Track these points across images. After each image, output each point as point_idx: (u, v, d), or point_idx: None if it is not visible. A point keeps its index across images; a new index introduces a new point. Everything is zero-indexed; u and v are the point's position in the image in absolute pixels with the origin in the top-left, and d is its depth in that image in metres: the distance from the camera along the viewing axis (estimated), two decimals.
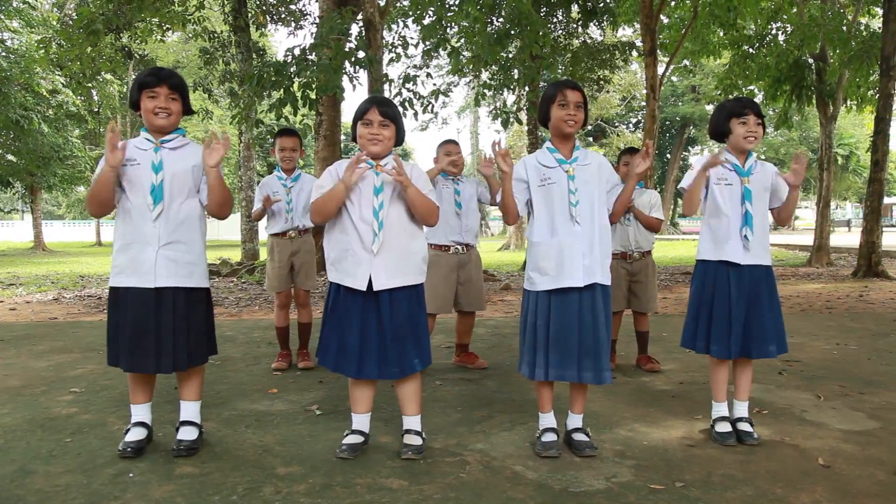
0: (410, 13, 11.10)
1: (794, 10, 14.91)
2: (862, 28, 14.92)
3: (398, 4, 13.53)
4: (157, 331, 2.95)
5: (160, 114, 2.97)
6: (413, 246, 3.05)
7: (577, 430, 3.08)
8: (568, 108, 3.00)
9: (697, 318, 3.29)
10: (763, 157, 50.29)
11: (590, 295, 2.98)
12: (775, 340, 3.21)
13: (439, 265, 4.61)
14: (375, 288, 2.93)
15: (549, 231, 3.03)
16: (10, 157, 23.83)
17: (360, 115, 3.01)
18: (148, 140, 3.02)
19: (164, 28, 14.59)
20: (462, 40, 11.03)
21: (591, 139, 41.16)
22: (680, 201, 59.43)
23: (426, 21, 10.54)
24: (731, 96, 15.71)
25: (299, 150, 4.85)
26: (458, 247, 4.74)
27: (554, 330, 2.96)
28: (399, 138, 3.08)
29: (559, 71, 16.87)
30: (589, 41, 16.96)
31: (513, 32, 10.05)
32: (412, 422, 3.09)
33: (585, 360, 2.96)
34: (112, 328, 3.02)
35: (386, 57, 10.85)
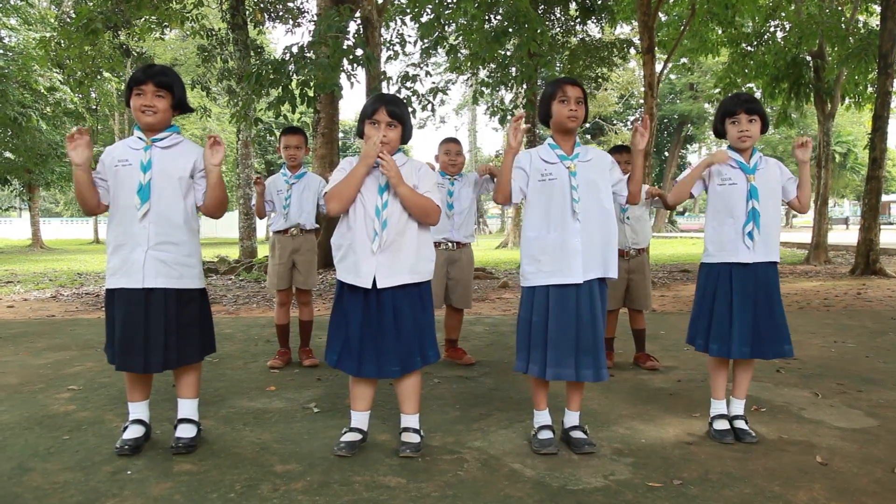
0: (408, 11, 11.08)
1: (793, 7, 14.92)
2: (860, 26, 14.93)
3: (396, 2, 13.51)
4: (147, 331, 2.93)
5: (146, 112, 2.95)
6: (419, 244, 3.02)
7: (574, 427, 3.09)
8: (569, 104, 2.99)
9: (699, 317, 3.29)
10: (761, 154, 50.29)
11: (588, 290, 2.98)
12: (788, 339, 3.21)
13: None
14: (379, 286, 2.92)
15: (546, 226, 3.02)
16: (7, 154, 23.81)
17: (369, 114, 2.97)
18: (140, 139, 3.01)
19: (163, 26, 14.57)
20: (460, 38, 11.02)
21: (588, 137, 41.19)
22: None
23: (424, 19, 10.53)
24: (729, 94, 15.72)
25: (304, 148, 4.86)
26: (448, 244, 4.77)
27: (552, 327, 2.95)
28: (405, 136, 3.04)
29: (557, 69, 16.87)
30: (587, 39, 16.96)
31: (511, 30, 10.03)
32: (410, 420, 3.09)
33: (584, 357, 2.95)
34: (108, 328, 3.04)
35: (384, 55, 10.86)
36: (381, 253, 2.91)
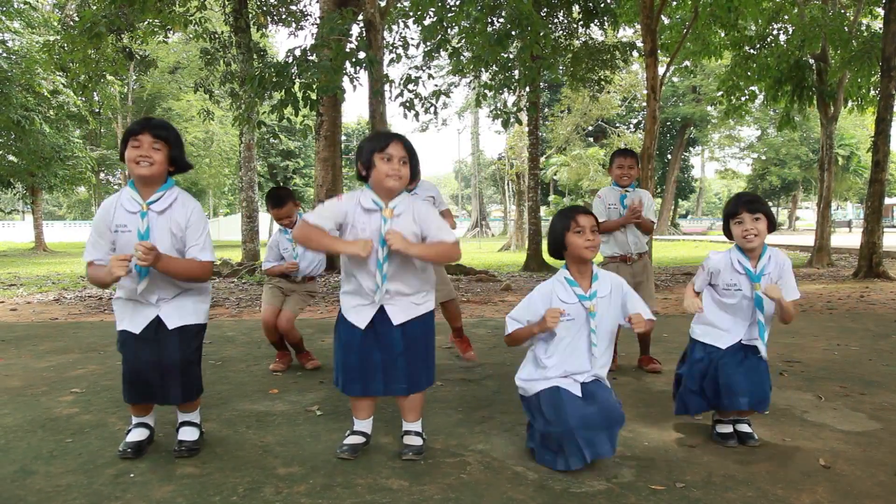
0: (411, 14, 11.10)
1: (795, 10, 14.91)
2: (863, 29, 14.92)
3: (399, 5, 13.53)
4: (160, 370, 2.90)
5: (141, 162, 2.83)
6: (422, 285, 3.03)
7: None
8: (585, 234, 2.88)
9: (689, 387, 3.23)
10: (764, 156, 50.28)
11: (598, 382, 2.93)
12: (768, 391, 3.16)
13: None
14: (394, 323, 2.93)
15: (561, 357, 2.92)
16: (11, 157, 23.87)
17: (382, 146, 2.87)
18: (135, 201, 2.89)
19: (166, 29, 14.62)
20: (462, 41, 11.03)
21: (591, 139, 41.18)
22: (681, 202, 59.52)
23: (427, 22, 10.54)
24: (732, 97, 15.72)
25: (295, 207, 4.92)
26: None
27: (573, 422, 2.79)
28: (414, 175, 2.97)
29: (560, 71, 16.86)
30: (589, 41, 16.95)
31: (513, 33, 10.04)
32: (413, 424, 3.10)
33: (614, 428, 2.87)
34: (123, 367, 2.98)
35: (386, 57, 10.86)
36: (389, 298, 2.92)
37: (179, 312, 2.95)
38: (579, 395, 2.86)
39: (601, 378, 2.96)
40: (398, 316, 2.95)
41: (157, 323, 2.92)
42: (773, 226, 3.11)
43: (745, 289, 3.10)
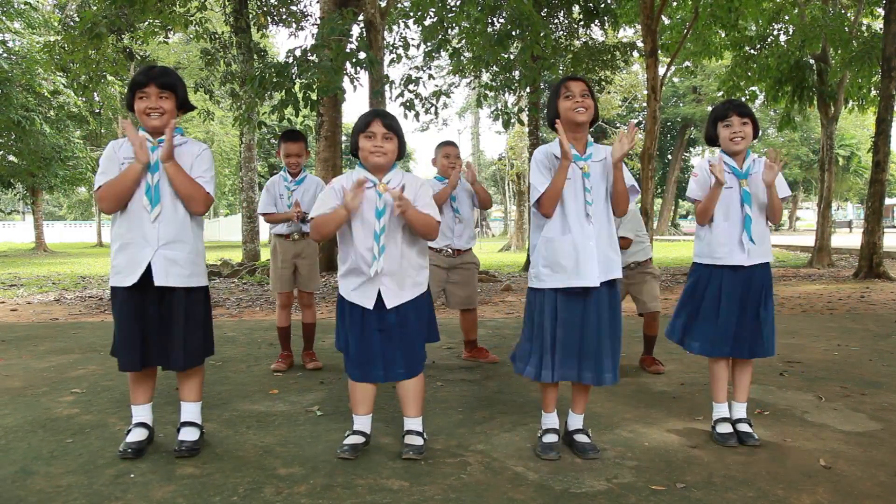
0: (411, 14, 11.11)
1: (796, 10, 14.90)
2: (864, 29, 14.91)
3: (399, 5, 13.53)
4: (149, 329, 2.95)
5: (151, 114, 2.93)
6: (418, 260, 3.07)
7: (578, 431, 3.08)
8: (574, 98, 2.97)
9: (680, 313, 3.35)
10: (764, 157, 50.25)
11: (596, 296, 2.95)
12: (771, 339, 3.25)
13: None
14: (388, 307, 2.96)
15: (561, 227, 2.99)
16: (11, 157, 23.89)
17: (363, 127, 2.96)
18: (147, 139, 2.99)
19: (166, 29, 14.62)
20: (463, 41, 11.03)
21: (592, 140, 41.19)
22: (682, 202, 59.52)
23: (427, 22, 10.55)
24: (732, 98, 15.70)
25: (305, 154, 4.86)
26: (449, 250, 4.84)
27: (558, 333, 2.94)
28: (400, 152, 3.03)
29: (560, 72, 16.84)
30: (590, 42, 16.94)
31: (514, 33, 10.04)
32: (413, 423, 3.10)
33: (586, 361, 2.94)
34: (116, 328, 3.02)
35: (387, 58, 10.87)
36: (384, 276, 2.94)
37: (171, 270, 2.95)
38: (579, 307, 2.92)
39: (604, 286, 2.96)
40: (392, 300, 2.97)
41: (154, 284, 2.94)
42: (756, 132, 3.23)
43: (734, 186, 3.21)
